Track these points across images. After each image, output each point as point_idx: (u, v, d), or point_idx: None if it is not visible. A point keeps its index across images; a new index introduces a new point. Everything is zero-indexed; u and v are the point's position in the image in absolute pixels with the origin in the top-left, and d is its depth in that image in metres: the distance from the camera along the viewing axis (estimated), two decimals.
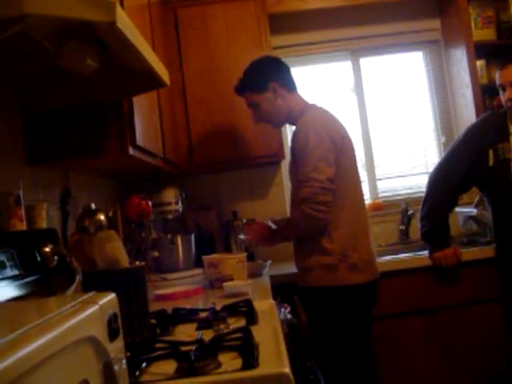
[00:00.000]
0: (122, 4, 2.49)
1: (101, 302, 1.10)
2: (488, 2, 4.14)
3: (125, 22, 1.62)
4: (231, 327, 1.92)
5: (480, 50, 4.01)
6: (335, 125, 2.91)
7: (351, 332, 2.81)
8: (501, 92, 3.22)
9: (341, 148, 2.82)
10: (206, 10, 3.88)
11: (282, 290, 3.08)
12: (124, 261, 1.82)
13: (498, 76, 3.22)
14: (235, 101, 3.73)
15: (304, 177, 2.72)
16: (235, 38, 3.85)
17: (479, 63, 4.03)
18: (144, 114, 2.72)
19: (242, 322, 2.01)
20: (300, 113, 2.93)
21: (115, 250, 1.81)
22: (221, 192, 4.16)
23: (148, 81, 2.25)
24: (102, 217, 1.93)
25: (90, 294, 1.18)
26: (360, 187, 2.99)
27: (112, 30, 1.61)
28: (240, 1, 3.89)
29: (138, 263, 1.96)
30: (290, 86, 3.01)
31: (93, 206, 2.18)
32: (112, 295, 1.17)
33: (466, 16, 4.03)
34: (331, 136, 2.80)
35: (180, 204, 3.77)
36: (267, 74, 2.98)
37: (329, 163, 2.73)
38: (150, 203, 3.07)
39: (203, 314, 2.14)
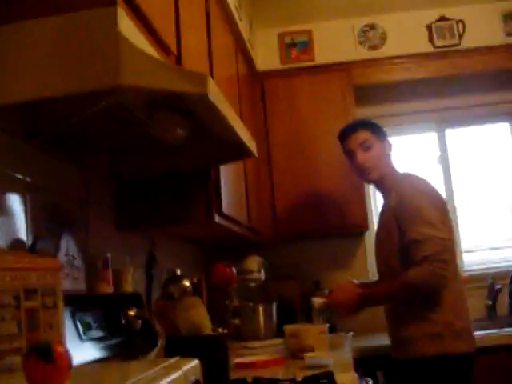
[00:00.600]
0: (212, 75, 2.59)
1: (184, 368, 1.11)
2: None
3: (216, 94, 1.67)
4: None
5: None
6: (438, 191, 2.92)
7: None
8: None
9: (446, 213, 2.83)
10: (292, 82, 3.97)
11: (363, 363, 3.02)
12: (207, 328, 1.83)
13: None
14: (320, 171, 3.79)
15: (422, 235, 2.66)
16: (320, 109, 3.92)
17: None
18: (230, 182, 2.77)
19: None
20: (394, 180, 2.93)
21: (199, 316, 1.83)
22: (303, 262, 4.14)
23: (236, 151, 2.30)
24: (187, 283, 1.95)
25: (174, 359, 1.20)
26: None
27: (203, 101, 1.66)
28: (325, 73, 3.98)
29: (221, 330, 1.97)
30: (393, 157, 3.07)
31: (178, 271, 2.21)
32: (195, 361, 1.18)
33: None
34: (440, 199, 2.85)
35: (263, 272, 3.77)
36: (385, 132, 3.06)
37: (444, 224, 2.73)
38: (234, 271, 3.09)
39: None
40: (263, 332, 3.57)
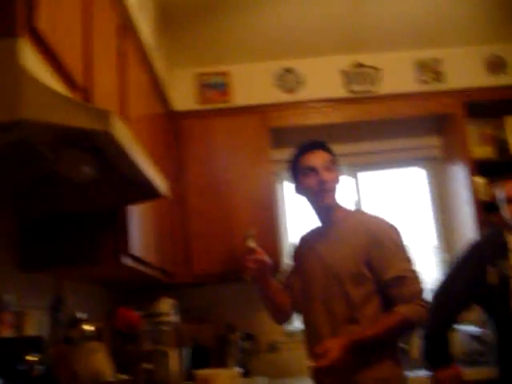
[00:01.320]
0: (124, 114, 2.54)
1: None
2: (487, 121, 4.23)
3: (121, 131, 1.63)
4: None
5: (481, 167, 4.05)
6: None
7: None
8: (505, 205, 3.20)
9: None
10: (209, 124, 3.97)
11: None
12: (108, 374, 1.75)
13: (504, 188, 3.20)
14: (235, 214, 3.77)
15: (409, 272, 2.56)
16: (236, 152, 3.92)
17: (480, 180, 4.06)
18: (140, 223, 2.70)
19: None
20: (345, 212, 2.76)
21: (99, 362, 1.75)
22: (218, 304, 4.08)
23: (145, 191, 2.24)
24: (88, 327, 1.87)
25: None
26: None
27: (107, 138, 1.61)
28: (242, 115, 3.99)
29: (123, 377, 1.88)
30: None
31: (80, 315, 2.12)
32: None
33: (465, 134, 4.11)
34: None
35: (175, 315, 3.69)
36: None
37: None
38: (138, 314, 3.00)
39: None
40: (175, 377, 3.47)
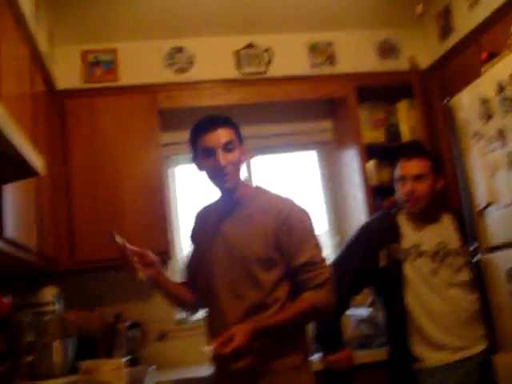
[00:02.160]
0: None
1: None
2: (378, 105, 4.27)
3: None
4: None
5: (370, 151, 4.08)
6: None
7: None
8: (399, 185, 3.19)
9: None
10: (95, 103, 3.80)
11: None
12: None
13: (399, 167, 3.20)
14: (123, 197, 3.64)
15: (318, 258, 2.47)
16: (124, 133, 3.77)
17: (370, 164, 4.09)
18: (17, 204, 2.53)
19: None
20: (250, 189, 2.63)
21: None
22: (104, 292, 3.91)
23: (19, 168, 2.09)
24: None
25: None
26: None
27: None
28: (130, 95, 3.85)
29: None
30: None
31: None
32: None
33: (356, 118, 4.13)
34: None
35: (58, 304, 3.53)
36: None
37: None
38: (7, 300, 2.81)
39: None
40: (59, 369, 3.31)
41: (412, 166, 3.16)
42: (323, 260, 2.50)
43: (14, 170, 2.10)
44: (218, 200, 2.67)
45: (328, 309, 2.46)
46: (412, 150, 3.33)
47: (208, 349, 2.29)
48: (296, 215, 2.52)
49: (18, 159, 1.95)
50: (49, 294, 3.46)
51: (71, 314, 3.75)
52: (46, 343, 3.34)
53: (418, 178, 3.12)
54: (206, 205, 2.77)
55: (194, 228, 2.77)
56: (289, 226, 2.47)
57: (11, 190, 2.40)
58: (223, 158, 2.45)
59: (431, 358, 3.00)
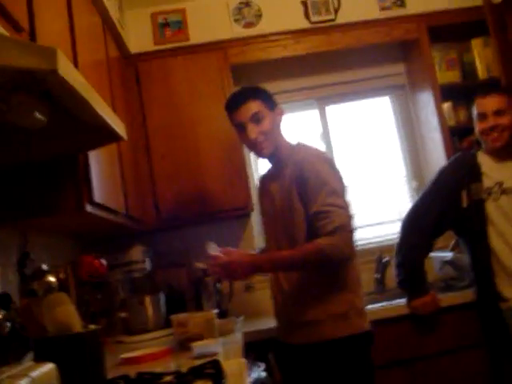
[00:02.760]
0: (76, 59, 2.43)
1: (34, 375, 0.97)
2: (451, 45, 4.18)
3: (68, 70, 1.53)
4: None
5: (446, 93, 4.00)
6: (334, 162, 2.76)
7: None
8: (478, 122, 3.16)
9: (344, 184, 2.69)
10: (167, 64, 3.84)
11: (256, 347, 2.95)
12: (76, 325, 1.69)
13: (477, 104, 3.17)
14: (201, 154, 3.71)
15: (331, 206, 2.49)
16: (198, 91, 3.81)
17: (446, 105, 4.02)
18: (103, 169, 2.62)
19: None
20: (290, 149, 2.75)
21: (66, 314, 1.69)
22: (190, 248, 4.00)
23: (103, 135, 2.15)
24: (52, 278, 1.80)
25: (26, 365, 1.06)
26: None
27: (55, 78, 1.51)
28: (201, 53, 3.87)
29: (92, 327, 1.83)
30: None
31: (44, 267, 2.05)
32: (49, 366, 1.05)
33: (430, 59, 4.04)
34: (338, 169, 2.68)
35: (148, 262, 3.65)
36: (274, 98, 2.81)
37: (345, 194, 2.63)
38: (103, 262, 2.93)
39: (168, 378, 2.00)
40: (152, 324, 3.45)
41: (490, 102, 3.12)
42: (337, 208, 2.50)
43: (99, 137, 2.16)
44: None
45: (337, 255, 2.46)
46: (487, 86, 3.28)
47: (199, 265, 2.56)
48: (308, 165, 2.61)
49: (101, 126, 2.01)
50: (137, 252, 3.58)
51: (160, 271, 3.88)
52: (138, 300, 3.47)
53: (496, 113, 3.10)
54: (267, 168, 2.95)
55: (258, 189, 3.00)
56: (302, 175, 2.59)
57: (96, 156, 2.48)
58: (252, 130, 2.66)
59: None
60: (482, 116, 3.13)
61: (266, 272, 2.77)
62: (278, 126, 2.75)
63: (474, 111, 3.20)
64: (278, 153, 2.75)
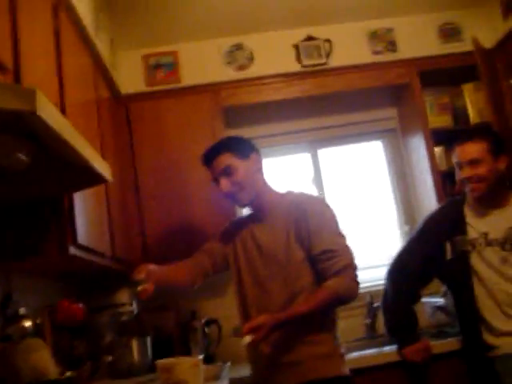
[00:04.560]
0: (63, 100, 2.42)
1: None
2: (442, 89, 4.19)
3: (48, 111, 1.51)
4: None
5: (438, 137, 4.00)
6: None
7: None
8: (456, 170, 3.12)
9: None
10: (159, 105, 3.85)
11: None
12: (51, 372, 1.64)
13: (455, 152, 3.12)
14: (191, 196, 3.68)
15: (337, 245, 2.54)
16: (189, 133, 3.80)
17: (438, 150, 4.02)
18: (88, 210, 2.59)
19: None
20: (279, 195, 2.77)
21: (41, 360, 1.64)
22: (179, 291, 3.95)
23: (87, 176, 2.13)
24: (28, 323, 1.76)
25: None
26: None
27: (35, 120, 1.50)
28: (193, 95, 3.88)
29: (67, 374, 1.78)
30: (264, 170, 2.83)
31: (21, 310, 2.01)
32: None
33: (421, 104, 4.05)
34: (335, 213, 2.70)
35: (135, 304, 3.60)
36: (250, 145, 2.80)
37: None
38: (81, 306, 2.87)
39: None
40: (138, 368, 3.38)
41: (466, 151, 3.05)
42: (343, 247, 2.55)
43: (83, 178, 2.15)
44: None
45: (350, 294, 2.52)
46: (466, 133, 3.22)
47: (246, 339, 2.38)
48: (313, 206, 2.65)
49: (85, 168, 1.99)
50: (125, 295, 3.53)
51: (147, 314, 3.82)
52: (124, 343, 3.41)
53: (472, 162, 3.00)
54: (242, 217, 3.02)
55: (227, 228, 2.99)
56: (306, 216, 2.59)
57: (82, 197, 2.46)
58: (224, 184, 2.69)
59: (504, 344, 2.94)
60: (458, 165, 3.09)
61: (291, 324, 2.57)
62: (256, 172, 2.74)
63: (453, 159, 3.15)
64: (260, 199, 2.75)
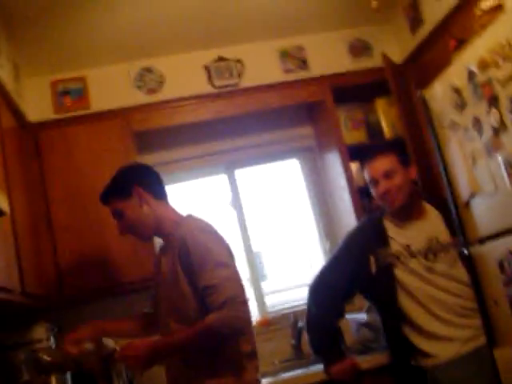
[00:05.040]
0: None
1: None
2: (356, 105, 4.22)
3: None
4: None
5: (353, 153, 4.01)
6: (219, 233, 2.71)
7: None
8: (372, 188, 3.12)
9: (232, 254, 2.67)
10: (69, 132, 3.73)
11: None
12: None
13: (367, 171, 3.13)
14: (104, 224, 3.57)
15: (218, 279, 2.46)
16: (101, 160, 3.69)
17: (354, 166, 4.02)
18: None
19: None
20: (175, 223, 2.71)
21: None
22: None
23: None
24: None
25: None
26: None
27: None
28: (103, 121, 3.78)
29: None
30: (158, 193, 2.77)
31: None
32: None
33: (335, 120, 4.07)
34: (223, 238, 2.65)
35: (52, 340, 3.46)
36: (131, 178, 2.76)
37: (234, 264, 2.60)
38: None
39: None
40: None
41: (377, 166, 3.07)
42: (224, 280, 2.48)
43: None
44: None
45: (229, 328, 2.46)
46: (372, 149, 3.25)
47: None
48: (194, 238, 2.57)
49: None
50: (41, 330, 3.39)
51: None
52: (43, 381, 3.27)
53: (387, 174, 3.03)
54: None
55: (154, 262, 2.96)
56: (188, 251, 2.55)
57: None
58: (119, 228, 2.78)
59: (440, 352, 2.93)
60: (373, 182, 3.10)
61: (165, 355, 2.62)
62: (144, 204, 2.71)
63: (366, 177, 3.16)
64: (160, 229, 2.74)
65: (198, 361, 2.56)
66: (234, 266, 2.58)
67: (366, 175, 3.13)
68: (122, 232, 2.76)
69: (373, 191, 3.12)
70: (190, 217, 2.76)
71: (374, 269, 3.06)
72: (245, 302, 2.50)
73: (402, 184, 3.03)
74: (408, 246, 3.03)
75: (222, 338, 2.48)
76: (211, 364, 2.54)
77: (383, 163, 3.06)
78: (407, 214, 3.09)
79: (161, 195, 2.79)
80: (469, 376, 2.86)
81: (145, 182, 2.75)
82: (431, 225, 3.11)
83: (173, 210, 2.80)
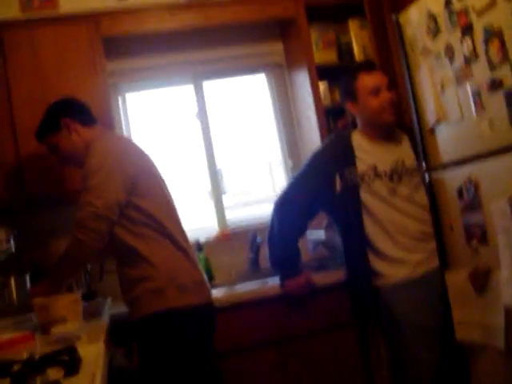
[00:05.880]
0: None
1: None
2: (328, 25, 4.15)
3: None
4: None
5: (322, 73, 4.00)
6: (128, 151, 2.80)
7: (187, 363, 2.65)
8: (370, 98, 3.09)
9: (135, 175, 2.69)
10: (35, 34, 3.60)
11: (123, 329, 2.87)
12: None
13: (366, 79, 3.11)
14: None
15: (81, 200, 2.61)
16: (68, 63, 3.61)
17: (322, 85, 4.01)
18: None
19: (61, 374, 1.77)
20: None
21: None
22: (58, 227, 3.83)
23: None
24: None
25: None
26: (175, 213, 2.89)
27: None
28: (71, 24, 3.65)
29: None
30: (84, 120, 2.91)
31: None
32: None
33: (307, 39, 4.01)
34: (120, 161, 2.68)
35: (12, 243, 3.46)
36: (58, 112, 2.90)
37: (112, 190, 2.60)
38: None
39: (17, 367, 1.87)
40: (17, 307, 3.28)
41: (381, 76, 3.12)
42: (85, 202, 2.60)
43: None
44: None
45: (73, 252, 2.68)
46: (366, 65, 3.28)
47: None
48: (88, 155, 2.72)
49: None
50: (1, 233, 3.39)
51: (27, 252, 3.71)
52: (2, 282, 3.30)
53: (388, 87, 3.11)
54: None
55: None
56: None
57: None
58: (59, 162, 3.00)
59: (393, 274, 3.03)
60: (376, 91, 3.09)
61: (64, 276, 2.92)
62: (74, 133, 2.87)
63: (363, 87, 3.12)
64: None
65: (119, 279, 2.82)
66: (111, 193, 2.62)
67: (365, 84, 3.11)
68: (62, 165, 2.99)
69: (372, 102, 3.10)
70: (107, 133, 2.94)
71: (339, 188, 3.10)
72: (93, 230, 2.58)
73: (396, 100, 3.12)
74: (375, 166, 3.07)
75: (76, 260, 2.74)
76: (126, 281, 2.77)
77: (384, 76, 3.14)
78: (381, 133, 3.13)
79: (89, 121, 2.92)
80: (415, 299, 2.98)
81: (70, 112, 2.88)
82: (399, 148, 3.15)
83: (101, 131, 2.92)
